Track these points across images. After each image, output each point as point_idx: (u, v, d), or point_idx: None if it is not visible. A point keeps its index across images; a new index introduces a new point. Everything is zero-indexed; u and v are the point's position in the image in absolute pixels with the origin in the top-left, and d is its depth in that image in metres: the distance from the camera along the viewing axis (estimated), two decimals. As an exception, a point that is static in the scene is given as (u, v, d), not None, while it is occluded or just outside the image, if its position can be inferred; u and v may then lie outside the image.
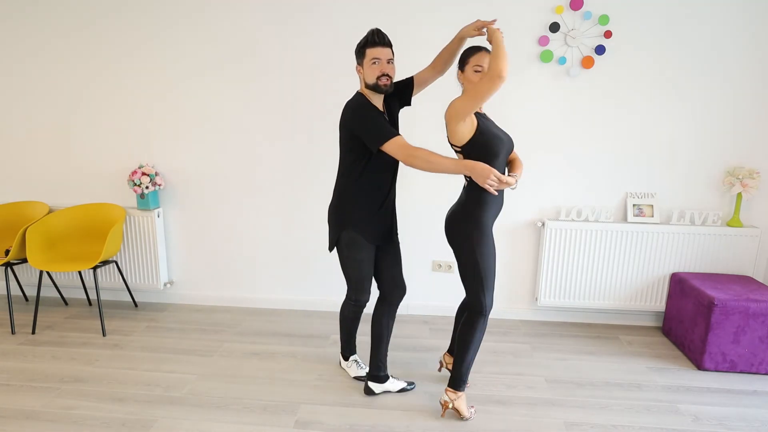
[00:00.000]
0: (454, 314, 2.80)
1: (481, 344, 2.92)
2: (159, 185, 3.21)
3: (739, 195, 2.92)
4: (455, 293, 3.25)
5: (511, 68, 2.92)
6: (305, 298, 3.40)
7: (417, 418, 2.22)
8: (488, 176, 1.89)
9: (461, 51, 2.08)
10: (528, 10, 2.85)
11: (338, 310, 3.38)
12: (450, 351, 2.54)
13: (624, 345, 2.95)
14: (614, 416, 2.25)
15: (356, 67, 2.09)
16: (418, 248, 3.21)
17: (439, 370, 2.60)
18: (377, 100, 2.10)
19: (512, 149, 2.10)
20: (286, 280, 3.39)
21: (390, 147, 1.97)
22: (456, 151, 2.03)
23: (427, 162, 1.93)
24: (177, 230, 3.38)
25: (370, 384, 2.38)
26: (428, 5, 2.88)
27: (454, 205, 2.14)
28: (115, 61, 3.14)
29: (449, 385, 2.19)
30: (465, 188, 2.08)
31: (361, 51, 2.03)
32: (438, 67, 2.21)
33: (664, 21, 2.81)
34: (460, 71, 2.04)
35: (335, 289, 3.35)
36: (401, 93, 2.21)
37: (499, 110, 2.96)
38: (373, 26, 2.94)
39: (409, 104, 2.26)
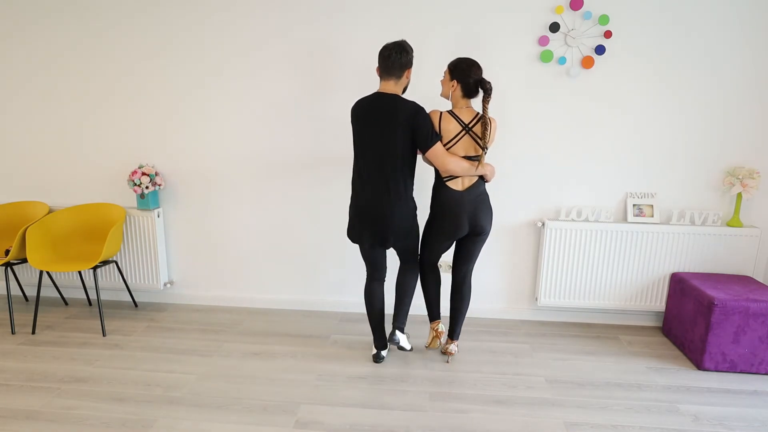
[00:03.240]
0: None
1: (481, 344, 2.94)
2: (159, 185, 3.21)
3: (739, 195, 2.92)
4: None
5: (512, 68, 2.93)
6: (305, 298, 3.40)
7: (417, 418, 2.22)
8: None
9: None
10: (528, 10, 2.85)
11: (337, 309, 3.38)
12: (434, 318, 2.77)
13: (624, 345, 2.95)
14: (614, 416, 2.25)
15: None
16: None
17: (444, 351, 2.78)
18: None
19: None
20: (286, 280, 3.39)
21: (438, 148, 2.30)
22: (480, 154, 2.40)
23: (461, 166, 2.33)
24: (177, 230, 3.38)
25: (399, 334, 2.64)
26: (429, 3, 2.88)
27: (474, 194, 2.41)
28: (115, 61, 3.13)
29: (457, 338, 2.74)
30: (479, 182, 2.44)
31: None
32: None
33: (664, 21, 2.81)
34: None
35: (335, 289, 3.36)
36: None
37: (499, 110, 2.97)
38: (376, 28, 2.95)
39: None
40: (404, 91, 2.38)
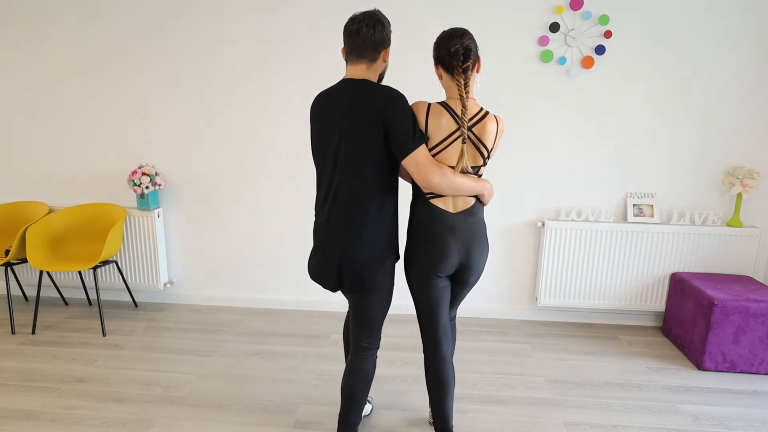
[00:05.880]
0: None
1: (481, 344, 2.93)
2: (159, 185, 3.21)
3: (739, 195, 2.92)
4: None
5: (512, 68, 2.94)
6: (305, 298, 3.40)
7: (416, 419, 2.22)
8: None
9: None
10: (528, 10, 2.85)
11: (337, 309, 3.38)
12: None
13: (624, 345, 2.95)
14: (614, 416, 2.25)
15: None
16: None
17: None
18: None
19: None
20: (286, 280, 3.38)
21: (421, 153, 1.63)
22: (480, 168, 1.76)
23: (451, 183, 1.66)
24: (177, 230, 3.38)
25: None
26: (429, 3, 2.88)
27: (469, 221, 1.75)
28: (115, 61, 3.14)
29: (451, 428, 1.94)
30: (476, 206, 1.77)
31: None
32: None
33: (664, 21, 2.81)
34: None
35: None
36: None
37: (500, 110, 2.97)
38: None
39: None
40: (381, 79, 1.77)
